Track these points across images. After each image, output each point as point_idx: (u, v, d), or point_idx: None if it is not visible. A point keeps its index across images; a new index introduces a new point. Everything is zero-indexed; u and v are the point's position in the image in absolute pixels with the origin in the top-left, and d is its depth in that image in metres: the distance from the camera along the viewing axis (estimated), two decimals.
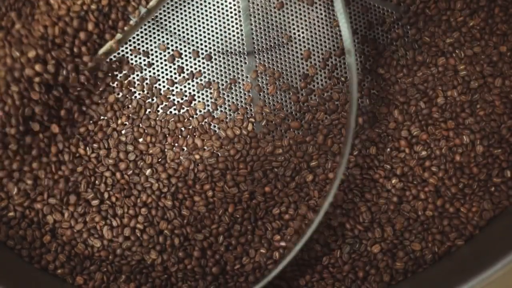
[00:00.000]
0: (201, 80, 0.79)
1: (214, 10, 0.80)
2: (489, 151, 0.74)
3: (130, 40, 0.78)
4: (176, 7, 0.80)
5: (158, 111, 0.78)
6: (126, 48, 0.78)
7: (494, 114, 0.75)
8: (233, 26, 0.80)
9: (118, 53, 0.78)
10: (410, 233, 0.73)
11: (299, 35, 0.81)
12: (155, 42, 0.79)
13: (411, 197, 0.74)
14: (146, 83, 0.78)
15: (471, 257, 0.70)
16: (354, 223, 0.73)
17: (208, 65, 0.79)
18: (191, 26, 0.80)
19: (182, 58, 0.79)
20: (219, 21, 0.80)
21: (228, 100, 0.79)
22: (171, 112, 0.78)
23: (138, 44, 0.79)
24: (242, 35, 0.80)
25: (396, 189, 0.74)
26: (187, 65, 0.79)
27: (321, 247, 0.73)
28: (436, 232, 0.72)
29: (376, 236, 0.73)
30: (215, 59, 0.80)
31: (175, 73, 0.79)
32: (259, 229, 0.74)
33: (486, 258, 0.64)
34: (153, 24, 0.79)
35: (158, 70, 0.79)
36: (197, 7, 0.80)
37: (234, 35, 0.80)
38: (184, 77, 0.79)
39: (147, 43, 0.79)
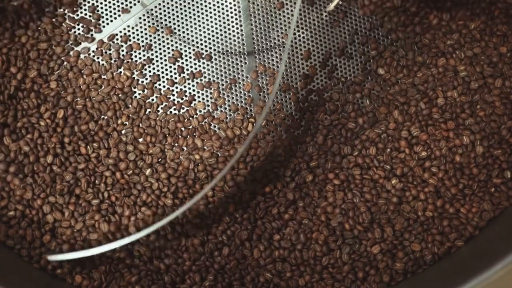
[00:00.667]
0: (201, 80, 0.79)
1: (214, 10, 0.80)
2: (489, 151, 0.74)
3: (131, 37, 0.79)
4: (176, 7, 0.80)
5: (158, 111, 0.78)
6: (130, 40, 0.78)
7: (494, 115, 0.75)
8: (233, 26, 0.80)
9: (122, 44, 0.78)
10: (410, 233, 0.73)
11: (299, 35, 0.81)
12: (155, 42, 0.79)
13: (411, 197, 0.74)
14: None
15: (471, 258, 0.70)
16: (354, 223, 0.73)
17: (208, 65, 0.79)
18: (191, 26, 0.80)
19: (182, 58, 0.79)
20: (219, 21, 0.80)
21: (228, 100, 0.79)
22: (171, 112, 0.78)
23: (138, 39, 0.79)
24: (242, 35, 0.80)
25: (396, 190, 0.74)
26: (187, 65, 0.79)
27: (321, 247, 0.73)
28: (436, 232, 0.72)
29: (376, 236, 0.73)
30: (215, 59, 0.80)
31: (175, 73, 0.79)
32: (258, 228, 0.74)
33: (486, 259, 0.64)
34: (153, 23, 0.79)
35: (158, 70, 0.79)
36: (197, 7, 0.80)
37: (234, 35, 0.80)
38: (184, 77, 0.79)
39: (147, 42, 0.79)
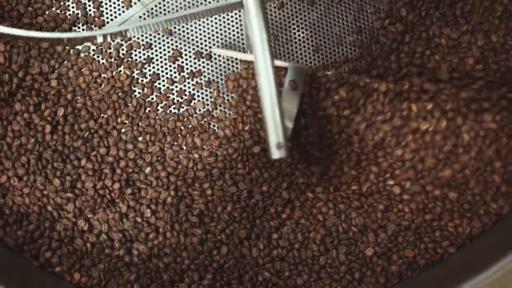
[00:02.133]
0: (201, 79, 0.79)
1: None
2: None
3: (132, 35, 0.79)
4: (177, 6, 0.80)
5: (158, 110, 0.78)
6: (130, 39, 0.79)
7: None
8: (233, 26, 0.80)
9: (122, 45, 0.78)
10: (403, 238, 0.73)
11: (299, 35, 0.81)
12: (155, 41, 0.79)
13: (396, 209, 0.74)
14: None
15: (463, 263, 0.70)
16: (347, 226, 0.74)
17: (208, 64, 0.80)
18: (191, 25, 0.80)
19: (182, 57, 0.79)
20: (220, 20, 0.80)
21: (228, 100, 0.79)
22: (170, 111, 0.78)
23: (138, 38, 0.79)
24: (242, 34, 0.80)
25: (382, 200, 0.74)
26: (187, 64, 0.79)
27: (318, 247, 0.73)
28: (429, 241, 0.73)
29: (370, 240, 0.73)
30: (215, 58, 0.80)
31: (175, 72, 0.79)
32: (257, 227, 0.75)
33: (480, 262, 0.65)
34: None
35: (158, 69, 0.79)
36: (197, 6, 0.80)
37: (234, 34, 0.80)
38: (184, 76, 0.79)
39: (147, 41, 0.79)
